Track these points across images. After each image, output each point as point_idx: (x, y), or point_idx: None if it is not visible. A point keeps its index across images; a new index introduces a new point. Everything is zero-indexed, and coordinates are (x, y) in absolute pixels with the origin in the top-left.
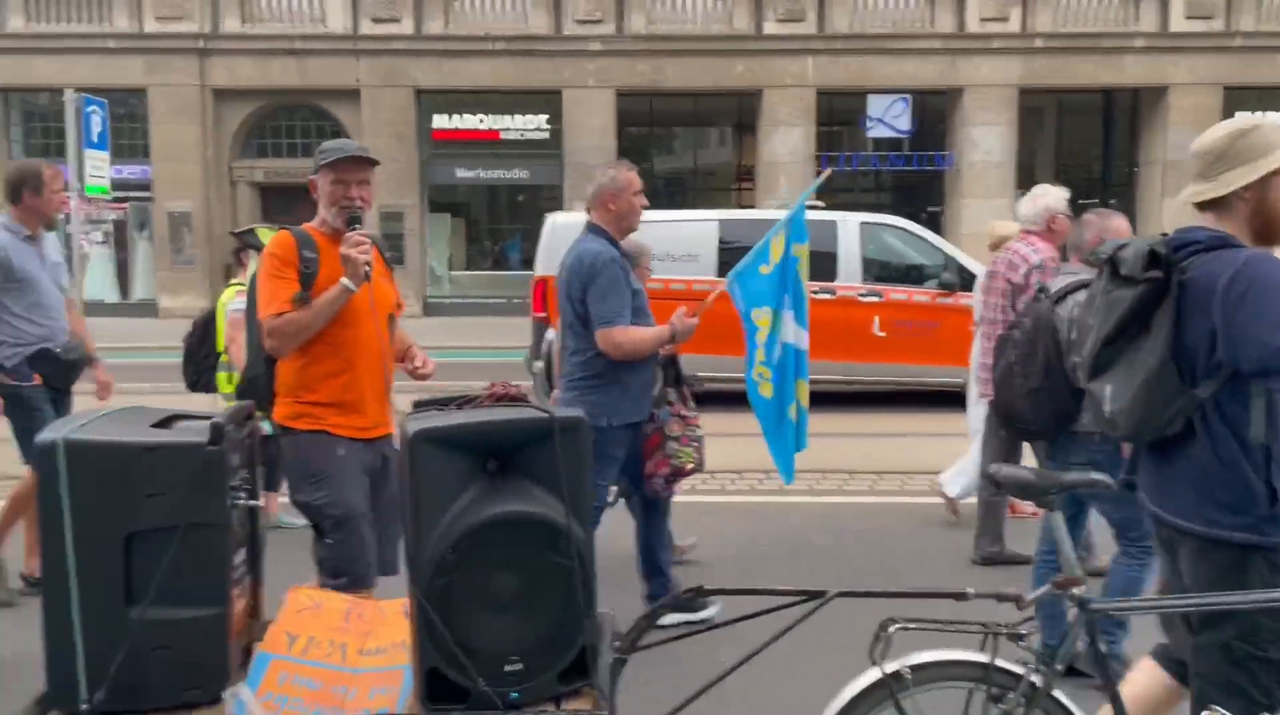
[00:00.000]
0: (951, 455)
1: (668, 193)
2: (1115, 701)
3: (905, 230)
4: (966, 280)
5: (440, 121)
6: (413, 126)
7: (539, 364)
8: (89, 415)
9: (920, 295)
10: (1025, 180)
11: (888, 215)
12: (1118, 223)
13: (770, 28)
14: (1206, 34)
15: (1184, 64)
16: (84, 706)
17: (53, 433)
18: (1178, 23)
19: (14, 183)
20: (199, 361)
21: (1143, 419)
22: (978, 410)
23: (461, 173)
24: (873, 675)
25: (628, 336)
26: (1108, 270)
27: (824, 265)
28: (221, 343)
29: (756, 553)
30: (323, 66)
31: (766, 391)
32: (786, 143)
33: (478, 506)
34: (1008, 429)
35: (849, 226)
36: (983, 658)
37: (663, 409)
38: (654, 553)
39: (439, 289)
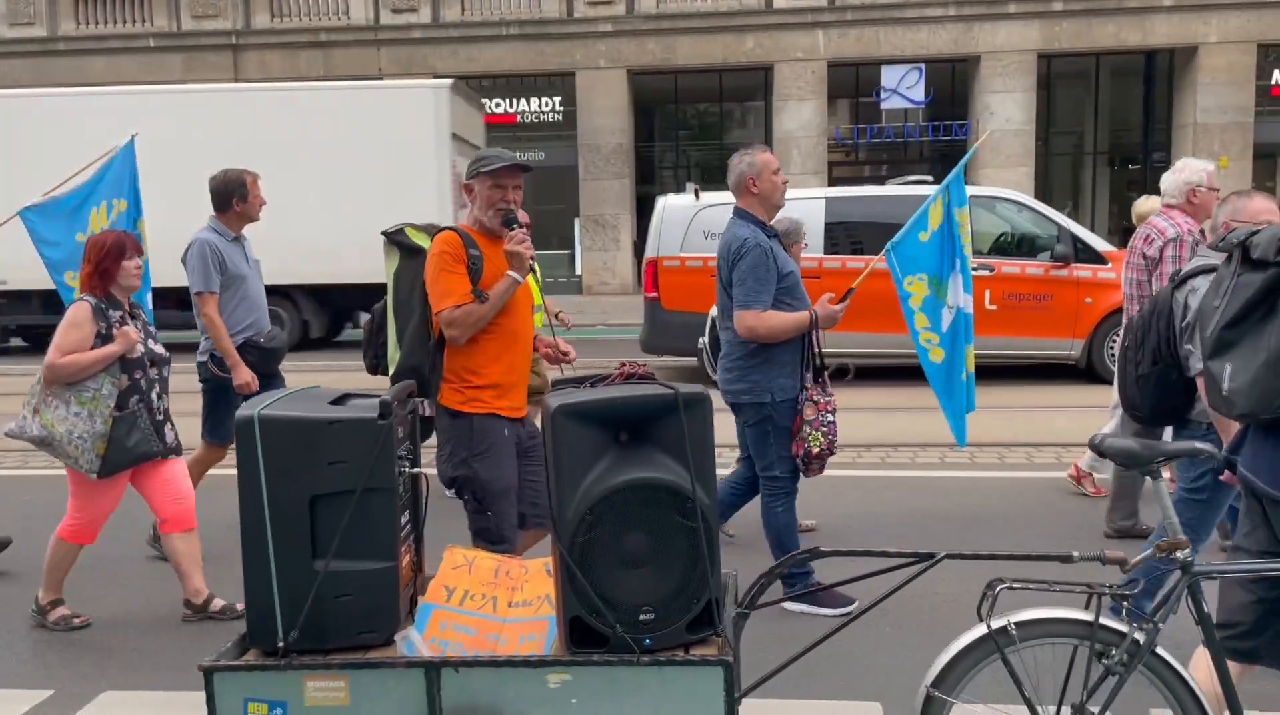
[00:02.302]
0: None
1: (697, 170)
2: (1219, 662)
3: (1016, 202)
4: (1080, 252)
5: None
6: None
7: (702, 341)
8: (276, 394)
9: (1033, 268)
10: (1065, 147)
11: (997, 188)
12: (1258, 204)
13: (780, 1)
14: None
15: (1214, 22)
16: (279, 644)
17: (249, 409)
18: None
19: (223, 193)
20: (377, 347)
21: (1260, 397)
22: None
23: None
24: (979, 631)
25: (762, 321)
26: (1239, 255)
27: None
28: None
29: (895, 524)
30: (346, 57)
31: (936, 357)
32: (798, 117)
33: (611, 473)
34: (1127, 413)
35: None
36: (1088, 616)
37: (802, 393)
38: (780, 536)
39: None
